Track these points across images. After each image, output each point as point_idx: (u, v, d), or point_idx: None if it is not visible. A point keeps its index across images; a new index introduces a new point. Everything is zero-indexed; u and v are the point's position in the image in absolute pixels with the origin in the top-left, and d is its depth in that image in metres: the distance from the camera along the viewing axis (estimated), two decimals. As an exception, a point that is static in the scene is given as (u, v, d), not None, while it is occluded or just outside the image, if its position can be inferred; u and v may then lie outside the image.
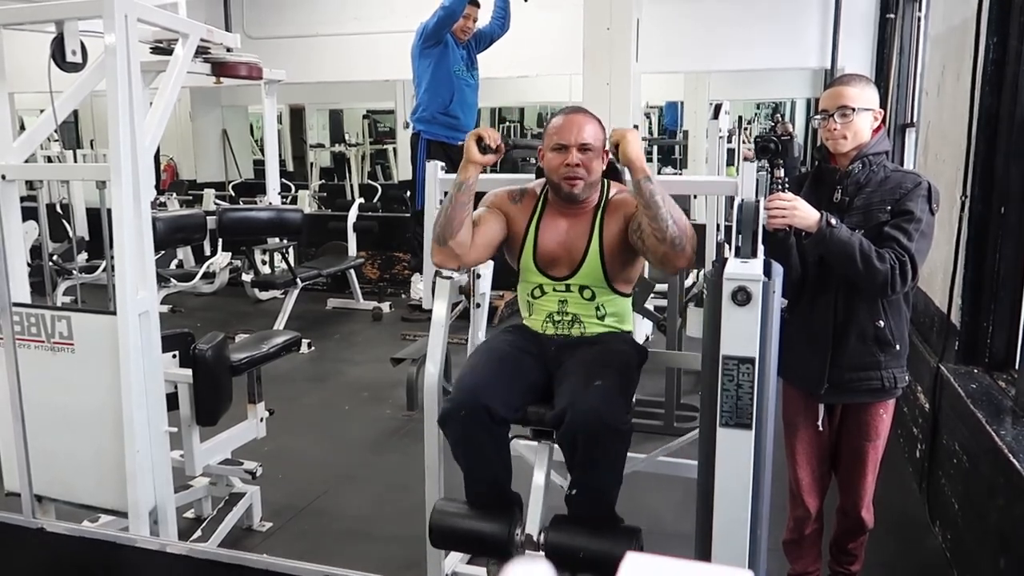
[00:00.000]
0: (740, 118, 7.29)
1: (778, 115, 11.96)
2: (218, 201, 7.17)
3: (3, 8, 2.36)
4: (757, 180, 1.81)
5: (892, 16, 5.18)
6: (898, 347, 2.06)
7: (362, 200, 7.18)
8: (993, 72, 2.69)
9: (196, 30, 2.57)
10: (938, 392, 2.83)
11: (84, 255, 6.09)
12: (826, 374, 2.07)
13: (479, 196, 2.18)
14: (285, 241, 5.56)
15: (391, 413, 4.06)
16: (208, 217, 5.43)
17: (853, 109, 2.01)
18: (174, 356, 2.50)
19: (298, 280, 5.40)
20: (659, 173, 6.11)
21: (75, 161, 7.97)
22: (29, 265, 2.69)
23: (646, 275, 3.61)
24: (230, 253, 5.59)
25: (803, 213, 1.93)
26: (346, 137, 12.17)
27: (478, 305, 2.44)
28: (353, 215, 6.39)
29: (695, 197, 4.47)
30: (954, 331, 2.87)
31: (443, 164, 2.40)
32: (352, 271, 6.19)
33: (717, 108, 3.67)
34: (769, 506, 1.68)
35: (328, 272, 5.93)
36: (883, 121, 2.08)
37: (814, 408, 2.16)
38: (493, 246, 2.15)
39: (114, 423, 2.30)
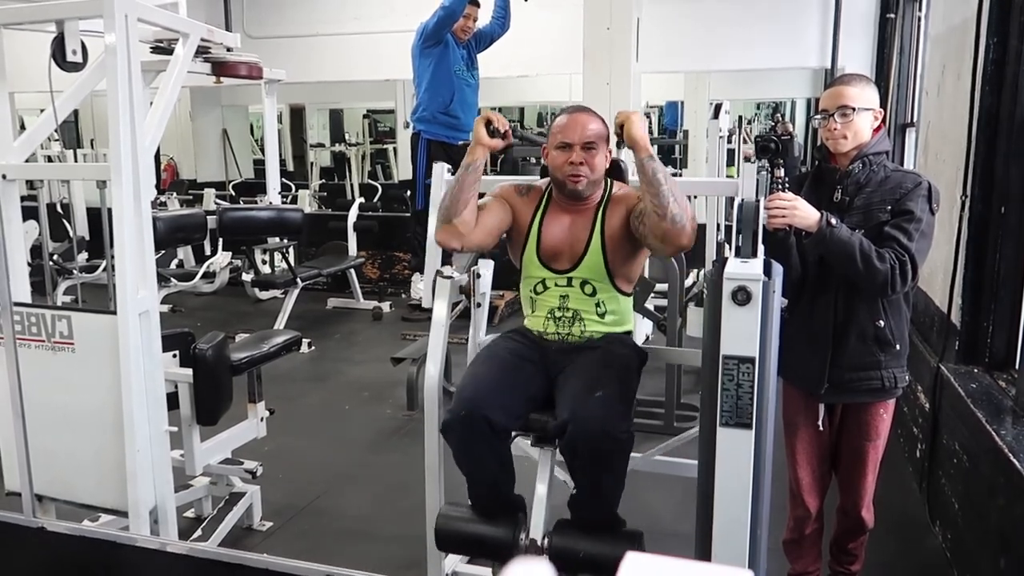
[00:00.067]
0: (740, 118, 7.27)
1: (778, 115, 11.92)
2: (218, 201, 7.16)
3: (3, 8, 2.35)
4: (757, 180, 1.81)
5: (892, 16, 5.18)
6: (898, 347, 2.06)
7: (362, 200, 7.17)
8: (993, 72, 2.69)
9: (196, 30, 2.57)
10: (938, 392, 2.83)
11: (84, 255, 6.08)
12: (826, 374, 2.07)
13: (480, 196, 2.18)
14: (285, 241, 5.55)
15: (391, 413, 4.06)
16: (208, 217, 5.43)
17: (853, 109, 2.01)
18: (174, 356, 2.50)
19: (298, 280, 5.40)
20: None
21: (75, 161, 7.96)
22: (29, 264, 2.69)
23: (646, 275, 3.61)
24: (230, 253, 5.58)
25: (803, 213, 1.93)
26: (346, 137, 12.20)
27: (478, 305, 2.44)
28: (353, 215, 6.38)
29: (695, 197, 4.47)
30: (954, 331, 2.87)
31: (449, 166, 2.42)
32: (352, 271, 6.18)
33: (717, 108, 3.68)
34: (769, 506, 1.68)
35: (328, 272, 5.93)
36: (883, 121, 2.08)
37: (814, 408, 2.16)
38: (496, 232, 2.17)
39: (114, 422, 2.30)
